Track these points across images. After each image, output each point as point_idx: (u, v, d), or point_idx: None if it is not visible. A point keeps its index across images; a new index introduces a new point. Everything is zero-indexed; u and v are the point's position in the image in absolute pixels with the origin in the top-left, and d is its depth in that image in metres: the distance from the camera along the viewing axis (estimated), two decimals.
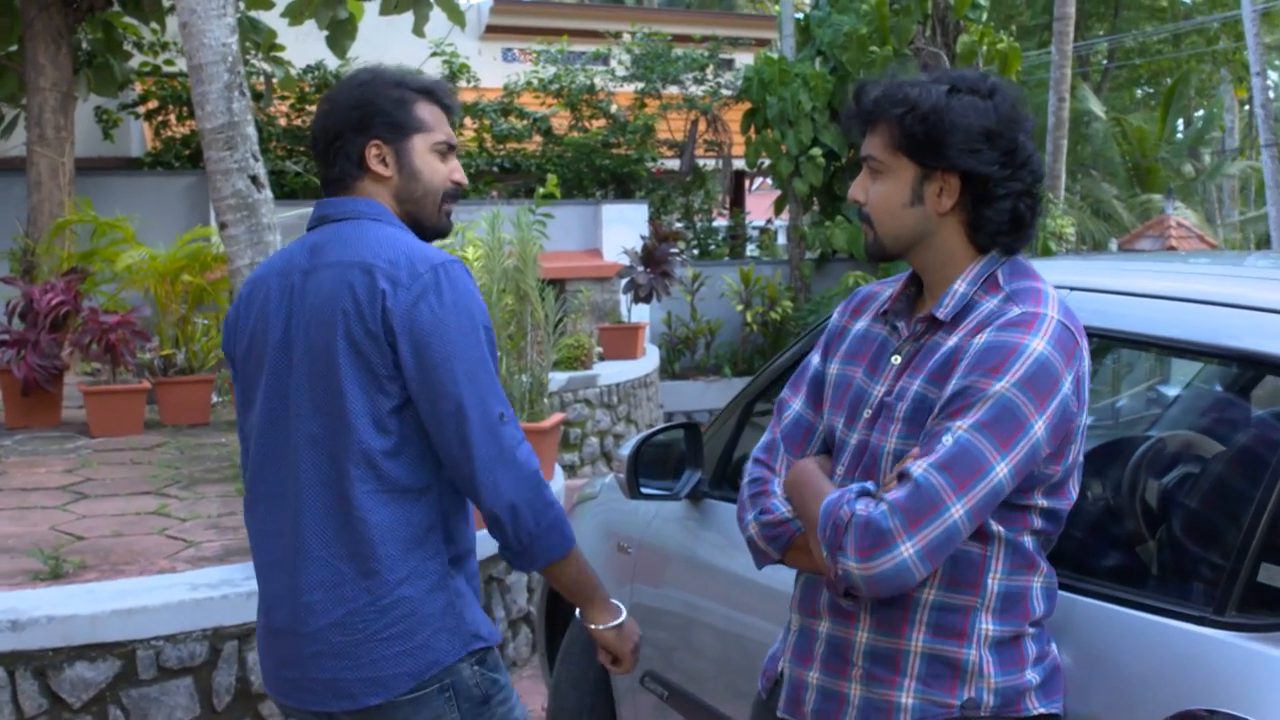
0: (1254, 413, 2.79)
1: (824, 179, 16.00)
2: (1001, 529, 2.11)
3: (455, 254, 5.01)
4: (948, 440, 2.00)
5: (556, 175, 12.40)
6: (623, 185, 17.76)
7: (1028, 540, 2.14)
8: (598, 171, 17.45)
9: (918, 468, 2.00)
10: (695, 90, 18.40)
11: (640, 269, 12.45)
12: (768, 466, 2.33)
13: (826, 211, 16.66)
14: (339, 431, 2.33)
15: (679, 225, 18.03)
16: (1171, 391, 3.62)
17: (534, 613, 5.25)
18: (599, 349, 11.96)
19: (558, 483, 7.08)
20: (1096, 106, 28.10)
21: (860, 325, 2.36)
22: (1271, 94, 22.07)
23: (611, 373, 11.26)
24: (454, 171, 2.54)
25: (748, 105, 16.50)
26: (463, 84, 17.19)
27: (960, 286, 2.17)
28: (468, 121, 16.72)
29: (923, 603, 2.12)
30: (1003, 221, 2.16)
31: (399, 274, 2.31)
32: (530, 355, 7.18)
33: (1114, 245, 24.02)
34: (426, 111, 2.50)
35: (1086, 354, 2.12)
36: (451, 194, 2.54)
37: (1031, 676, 2.14)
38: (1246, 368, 2.79)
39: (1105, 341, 2.63)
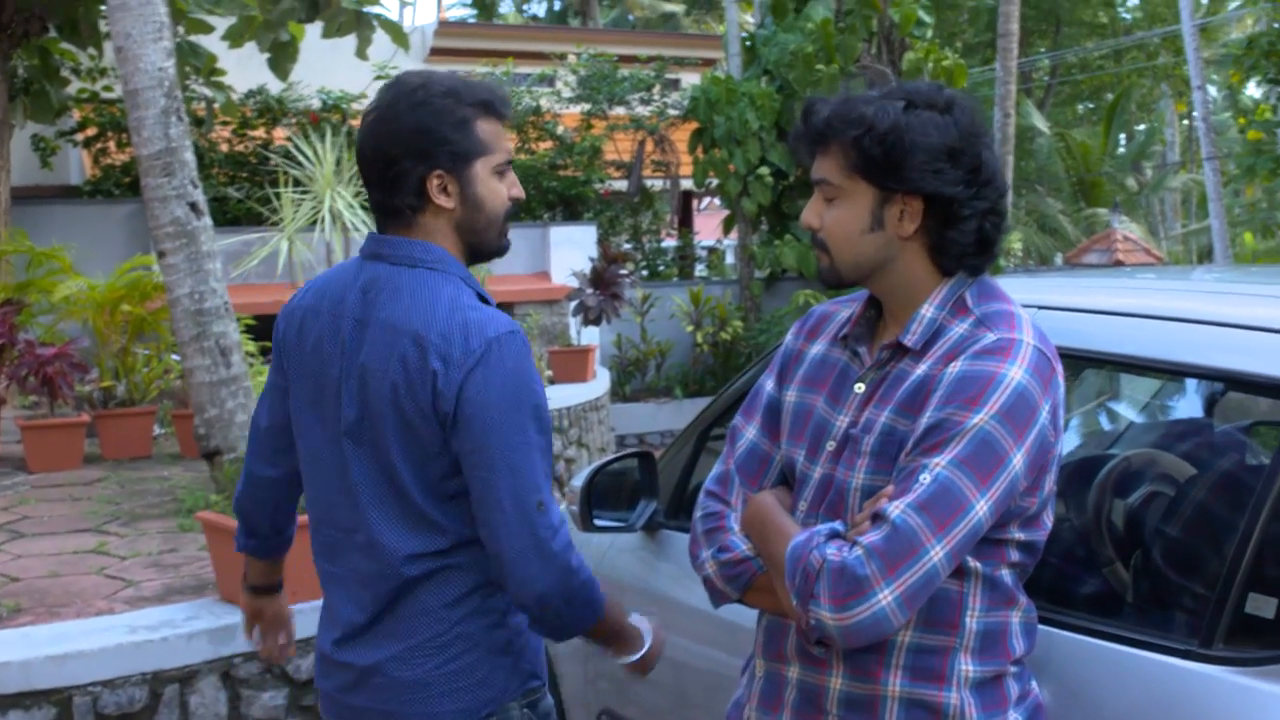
0: (1236, 435, 2.71)
1: (772, 198, 16.01)
2: (979, 564, 1.99)
3: None
4: (925, 478, 1.87)
5: None
6: (570, 207, 17.68)
7: (1005, 574, 2.03)
8: (545, 193, 17.35)
9: (894, 509, 1.87)
10: (642, 111, 18.38)
11: (589, 291, 12.37)
12: (722, 500, 2.20)
13: (775, 230, 16.66)
14: (396, 495, 2.28)
15: (628, 246, 18.02)
16: (1139, 412, 3.54)
17: None
18: (549, 372, 11.86)
19: None
20: (1040, 122, 28.40)
21: (818, 349, 2.22)
22: (1211, 108, 22.33)
23: (562, 396, 11.14)
24: (512, 187, 2.38)
25: (695, 125, 16.49)
26: None
27: (927, 311, 2.05)
28: None
29: (899, 645, 1.99)
30: (969, 243, 2.05)
31: (451, 351, 2.20)
32: None
33: (1059, 259, 24.23)
34: (486, 129, 2.32)
35: (1062, 381, 2.02)
36: (510, 213, 2.41)
37: (1014, 718, 2.03)
38: (1217, 385, 2.73)
39: (1070, 361, 2.55)
